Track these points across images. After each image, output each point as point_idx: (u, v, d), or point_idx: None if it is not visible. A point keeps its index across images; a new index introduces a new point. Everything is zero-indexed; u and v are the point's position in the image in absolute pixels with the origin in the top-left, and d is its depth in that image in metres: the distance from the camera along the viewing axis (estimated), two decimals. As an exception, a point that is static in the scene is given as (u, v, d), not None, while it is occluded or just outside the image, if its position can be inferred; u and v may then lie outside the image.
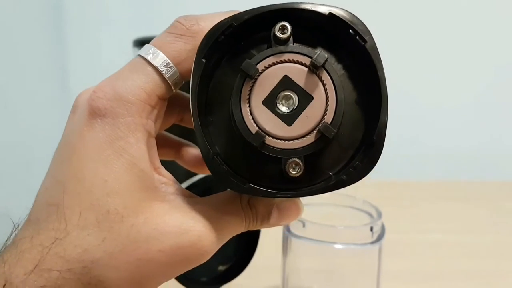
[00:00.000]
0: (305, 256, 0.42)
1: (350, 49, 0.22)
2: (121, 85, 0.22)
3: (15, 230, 0.22)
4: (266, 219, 0.25)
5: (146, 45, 0.23)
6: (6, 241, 0.21)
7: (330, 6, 0.22)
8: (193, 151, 0.31)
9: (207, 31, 0.22)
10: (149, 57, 0.22)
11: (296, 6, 0.22)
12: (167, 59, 0.22)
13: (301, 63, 0.21)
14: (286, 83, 0.21)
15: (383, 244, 0.39)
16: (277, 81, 0.21)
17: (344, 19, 0.21)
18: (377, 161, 0.22)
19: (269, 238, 0.44)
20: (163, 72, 0.22)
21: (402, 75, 0.84)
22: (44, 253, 0.20)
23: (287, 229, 0.41)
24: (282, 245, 0.42)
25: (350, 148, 0.23)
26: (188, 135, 0.30)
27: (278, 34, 0.21)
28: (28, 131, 0.75)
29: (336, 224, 0.39)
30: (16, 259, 0.20)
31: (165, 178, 0.23)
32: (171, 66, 0.23)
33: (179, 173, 0.28)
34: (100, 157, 0.21)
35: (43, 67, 0.83)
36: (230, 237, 0.24)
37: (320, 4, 0.22)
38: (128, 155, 0.21)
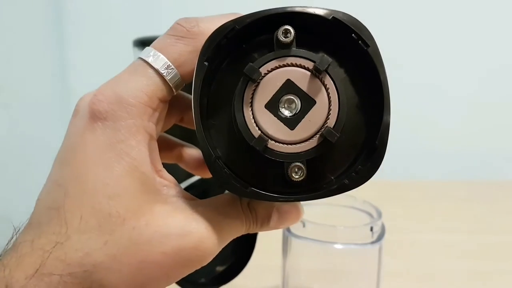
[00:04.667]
0: (305, 256, 0.42)
1: (352, 53, 0.22)
2: (122, 88, 0.22)
3: (16, 234, 0.21)
4: (266, 222, 0.25)
5: (147, 48, 0.23)
6: (6, 244, 0.21)
7: (333, 10, 0.22)
8: (194, 154, 0.30)
9: (207, 33, 0.22)
10: (150, 60, 0.22)
11: (299, 10, 0.21)
12: (168, 61, 0.22)
13: (304, 67, 0.21)
14: (289, 87, 0.21)
15: (383, 244, 0.39)
16: (280, 84, 0.21)
17: (347, 23, 0.21)
18: (379, 165, 0.22)
19: (269, 238, 0.44)
20: (164, 74, 0.22)
21: (404, 75, 0.84)
22: (44, 257, 0.20)
23: (287, 229, 0.41)
24: (282, 245, 0.42)
25: (352, 151, 0.23)
26: (188, 135, 0.30)
27: (281, 38, 0.21)
28: (28, 132, 0.75)
29: (336, 224, 0.39)
30: (16, 263, 0.20)
31: (167, 180, 0.23)
32: (172, 68, 0.22)
33: (180, 175, 0.28)
34: (101, 160, 0.21)
35: (43, 68, 0.83)
36: (231, 239, 0.24)
37: (323, 8, 0.22)
38: (129, 158, 0.21)
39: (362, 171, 0.22)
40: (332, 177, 0.22)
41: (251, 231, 0.24)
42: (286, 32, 0.21)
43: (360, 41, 0.21)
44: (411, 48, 0.86)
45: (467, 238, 0.62)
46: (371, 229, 0.39)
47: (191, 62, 0.22)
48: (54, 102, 0.85)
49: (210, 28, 0.22)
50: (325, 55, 0.21)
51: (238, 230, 0.24)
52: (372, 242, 0.39)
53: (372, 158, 0.22)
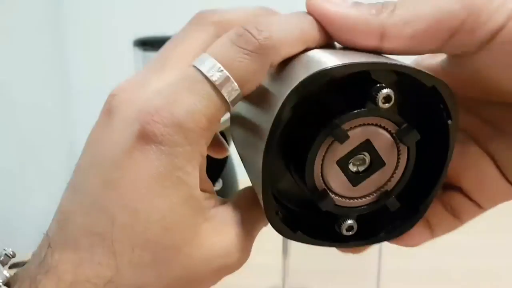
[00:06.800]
0: (305, 256, 0.42)
1: (431, 119, 0.21)
2: (180, 110, 0.19)
3: (49, 247, 0.20)
4: None
5: (208, 58, 0.20)
6: (38, 255, 0.20)
7: (435, 78, 0.20)
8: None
9: (279, 46, 0.20)
10: (213, 78, 0.20)
11: (405, 70, 0.19)
12: (234, 82, 0.20)
13: (387, 130, 0.20)
14: (366, 146, 0.20)
15: (383, 244, 0.39)
16: (358, 143, 0.20)
17: (443, 94, 0.20)
18: (415, 225, 0.23)
19: (269, 238, 0.44)
20: (227, 97, 0.20)
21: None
22: None
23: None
24: (282, 245, 0.42)
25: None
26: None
27: (380, 104, 0.19)
28: (28, 133, 0.75)
29: (336, 224, 0.39)
30: None
31: (208, 192, 0.22)
32: (236, 89, 0.20)
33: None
34: (157, 188, 0.19)
35: (43, 67, 0.83)
36: None
37: (425, 72, 0.19)
38: (186, 186, 0.20)
39: (399, 227, 0.23)
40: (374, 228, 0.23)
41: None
42: (388, 98, 0.19)
43: (444, 112, 0.20)
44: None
45: (467, 238, 0.61)
46: (371, 229, 0.39)
47: (256, 82, 0.20)
48: (54, 102, 0.85)
49: (283, 42, 0.20)
50: (414, 130, 0.20)
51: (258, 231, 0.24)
52: (372, 242, 0.39)
53: (411, 218, 0.22)
